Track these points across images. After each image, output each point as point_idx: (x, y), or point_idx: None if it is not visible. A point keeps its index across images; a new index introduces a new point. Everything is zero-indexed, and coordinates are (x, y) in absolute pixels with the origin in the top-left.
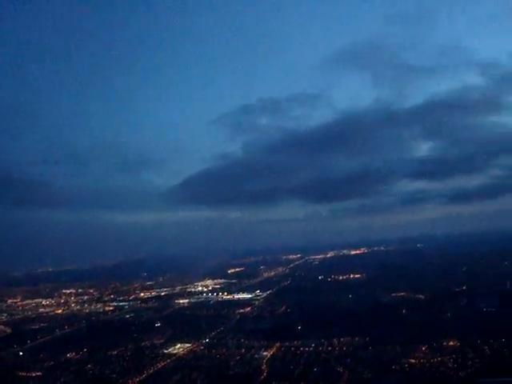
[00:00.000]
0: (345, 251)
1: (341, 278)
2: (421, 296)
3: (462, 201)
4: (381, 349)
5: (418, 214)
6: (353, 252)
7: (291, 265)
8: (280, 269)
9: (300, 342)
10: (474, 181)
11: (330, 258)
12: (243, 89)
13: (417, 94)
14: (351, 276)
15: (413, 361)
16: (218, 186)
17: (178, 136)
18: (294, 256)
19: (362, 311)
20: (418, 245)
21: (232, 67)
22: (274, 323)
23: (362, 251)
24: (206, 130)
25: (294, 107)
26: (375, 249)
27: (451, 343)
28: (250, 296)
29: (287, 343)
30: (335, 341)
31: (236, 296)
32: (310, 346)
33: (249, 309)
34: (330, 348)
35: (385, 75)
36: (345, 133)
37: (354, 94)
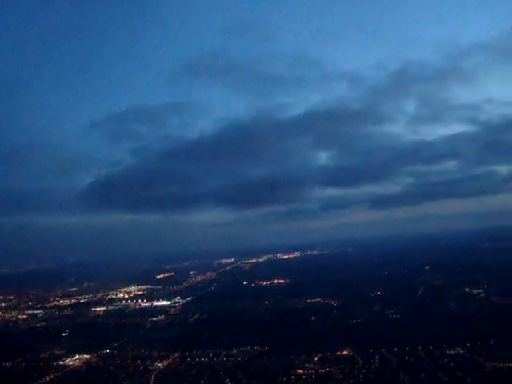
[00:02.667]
0: (279, 255)
1: (265, 283)
2: (335, 302)
3: (384, 206)
4: (276, 359)
5: (346, 219)
6: (286, 256)
7: (221, 269)
8: (209, 274)
9: (200, 352)
10: (391, 187)
11: (263, 262)
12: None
13: (293, 105)
14: (275, 281)
15: (301, 371)
16: (130, 190)
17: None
18: (228, 260)
19: (273, 319)
20: (349, 249)
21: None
22: (182, 332)
23: (294, 255)
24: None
25: (168, 115)
26: (308, 253)
27: (345, 352)
28: (168, 303)
29: (187, 353)
30: (234, 350)
31: (155, 303)
32: (208, 356)
33: (162, 317)
34: (225, 358)
35: (249, 85)
36: (237, 141)
37: (225, 103)
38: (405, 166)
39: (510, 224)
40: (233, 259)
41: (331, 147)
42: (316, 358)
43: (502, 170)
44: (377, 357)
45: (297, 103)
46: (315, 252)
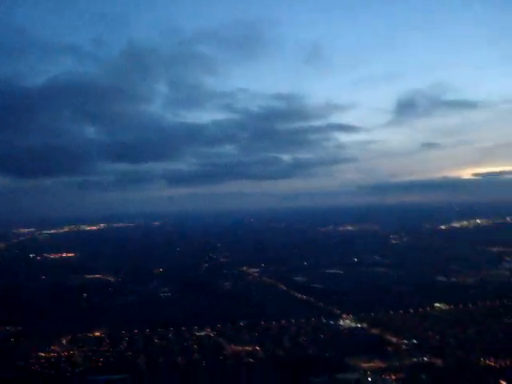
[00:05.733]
0: (82, 226)
1: (52, 256)
2: (114, 278)
3: (181, 183)
4: (25, 341)
5: (150, 192)
6: (89, 228)
7: (15, 240)
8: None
9: None
10: (182, 165)
11: (63, 233)
12: None
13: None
14: (64, 255)
15: (42, 354)
16: None
17: None
18: (26, 230)
19: (40, 296)
20: (156, 222)
21: None
22: None
23: (98, 227)
24: None
25: None
26: (114, 225)
27: (97, 333)
28: None
29: None
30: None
31: None
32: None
33: None
34: None
35: None
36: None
37: None
38: (187, 147)
39: (300, 206)
40: (32, 229)
41: (97, 122)
42: (65, 340)
43: (285, 157)
44: (126, 338)
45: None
46: (120, 224)
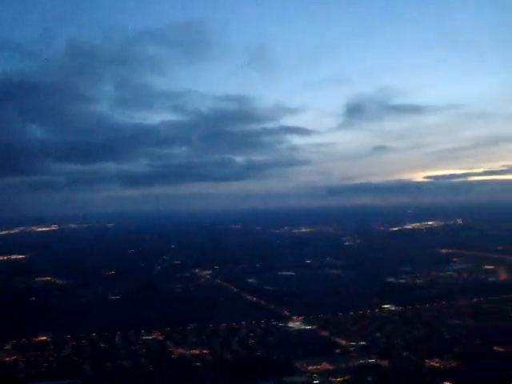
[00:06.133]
0: (34, 227)
1: (1, 258)
2: (64, 281)
3: (134, 184)
4: None
5: (103, 193)
6: (41, 229)
7: None
8: None
9: None
10: (136, 166)
11: (14, 234)
12: None
13: None
14: (13, 256)
15: None
16: None
17: None
18: None
19: None
20: (110, 224)
21: None
22: None
23: (51, 228)
24: None
25: None
26: (68, 226)
27: (43, 338)
28: None
29: None
30: None
31: None
32: None
33: None
34: None
35: None
36: None
37: None
38: (139, 147)
39: (255, 207)
40: None
41: (44, 122)
42: (9, 345)
43: (239, 159)
44: (72, 342)
45: None
46: (73, 225)
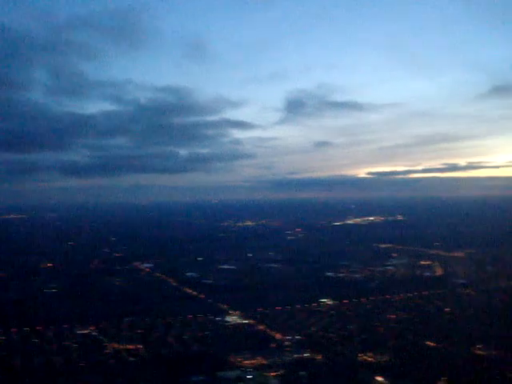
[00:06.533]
0: None
1: None
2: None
3: (74, 174)
4: None
5: (38, 184)
6: None
7: None
8: None
9: None
10: (76, 157)
11: None
12: None
13: None
14: None
15: None
16: None
17: None
18: None
19: None
20: (49, 214)
21: None
22: None
23: None
24: None
25: None
26: (3, 217)
27: None
28: None
29: None
30: None
31: None
32: None
33: None
34: None
35: None
36: None
37: None
38: (77, 137)
39: (201, 200)
40: None
41: None
42: None
43: (183, 151)
44: (2, 337)
45: None
46: (11, 216)
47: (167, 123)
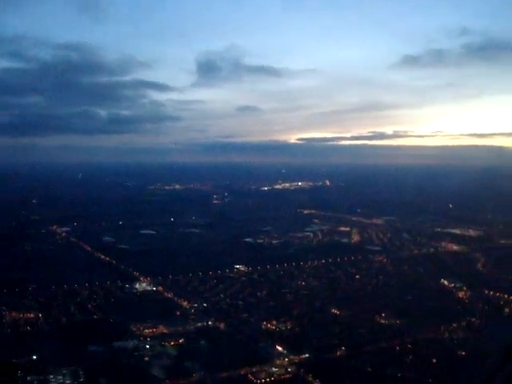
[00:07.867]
0: None
1: None
2: None
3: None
4: None
5: None
6: None
7: None
8: None
9: None
10: None
11: None
12: None
13: None
14: None
15: None
16: None
17: None
18: None
19: None
20: None
21: None
22: None
23: None
24: None
25: None
26: None
27: None
28: None
29: None
30: None
31: None
32: None
33: None
34: None
35: None
36: None
37: None
38: None
39: (130, 162)
40: None
41: None
42: None
43: (101, 112)
44: None
45: None
46: None
47: (77, 82)
